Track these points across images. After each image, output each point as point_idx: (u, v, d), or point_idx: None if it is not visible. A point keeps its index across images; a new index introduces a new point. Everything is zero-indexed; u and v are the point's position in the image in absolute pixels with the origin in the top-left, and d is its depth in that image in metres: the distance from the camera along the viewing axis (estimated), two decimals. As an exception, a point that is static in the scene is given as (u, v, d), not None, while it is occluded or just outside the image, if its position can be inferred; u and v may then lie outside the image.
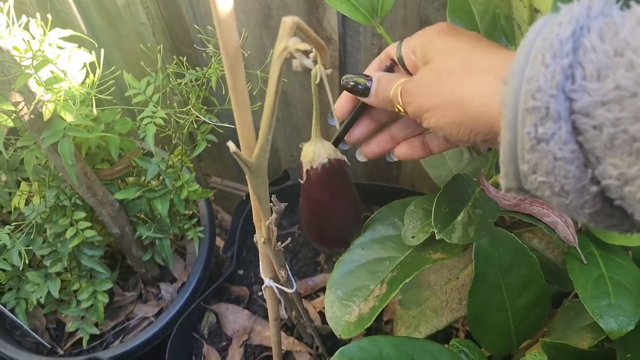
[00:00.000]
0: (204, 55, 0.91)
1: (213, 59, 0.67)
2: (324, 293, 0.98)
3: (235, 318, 0.94)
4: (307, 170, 0.47)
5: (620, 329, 0.47)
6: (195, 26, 0.88)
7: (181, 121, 0.71)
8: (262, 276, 0.63)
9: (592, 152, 0.25)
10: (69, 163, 0.62)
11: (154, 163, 0.76)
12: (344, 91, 0.46)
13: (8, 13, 0.58)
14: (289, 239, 0.55)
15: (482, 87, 0.33)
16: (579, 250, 0.51)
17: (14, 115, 0.60)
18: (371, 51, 0.87)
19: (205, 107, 0.75)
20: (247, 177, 0.43)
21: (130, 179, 0.84)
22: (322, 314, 0.94)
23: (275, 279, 0.63)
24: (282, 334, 0.91)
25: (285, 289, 0.62)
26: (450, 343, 0.53)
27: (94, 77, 0.67)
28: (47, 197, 0.73)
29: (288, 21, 0.32)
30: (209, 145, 0.79)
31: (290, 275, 0.61)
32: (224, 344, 0.93)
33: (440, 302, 0.65)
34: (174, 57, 0.80)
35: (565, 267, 0.54)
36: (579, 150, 0.25)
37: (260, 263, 0.61)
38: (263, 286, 0.64)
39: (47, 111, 0.55)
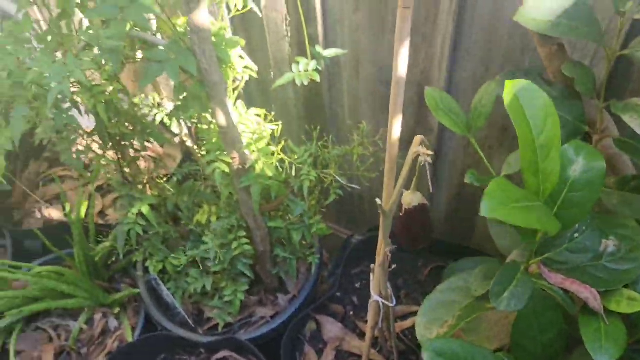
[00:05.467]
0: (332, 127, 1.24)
1: (356, 142, 1.00)
2: (401, 320, 1.26)
3: (331, 328, 1.23)
4: (406, 209, 0.76)
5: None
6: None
7: (325, 179, 1.04)
8: (372, 292, 0.92)
9: None
10: (257, 200, 0.96)
11: (299, 205, 1.09)
12: None
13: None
14: (392, 264, 0.85)
15: None
16: (603, 314, 0.76)
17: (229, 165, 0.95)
18: (462, 142, 1.16)
19: (341, 172, 1.07)
20: (381, 219, 0.73)
21: (276, 213, 1.17)
22: (398, 336, 1.22)
23: (380, 295, 0.92)
24: (366, 346, 1.19)
25: (388, 303, 0.91)
26: (497, 355, 0.79)
27: (276, 146, 1.01)
28: (229, 219, 1.07)
29: (419, 138, 0.63)
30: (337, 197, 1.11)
31: (392, 294, 0.90)
32: (321, 346, 1.22)
33: (494, 333, 0.92)
34: (306, 125, 1.15)
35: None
36: None
37: (371, 282, 0.91)
38: (370, 300, 0.94)
39: (250, 162, 0.89)
